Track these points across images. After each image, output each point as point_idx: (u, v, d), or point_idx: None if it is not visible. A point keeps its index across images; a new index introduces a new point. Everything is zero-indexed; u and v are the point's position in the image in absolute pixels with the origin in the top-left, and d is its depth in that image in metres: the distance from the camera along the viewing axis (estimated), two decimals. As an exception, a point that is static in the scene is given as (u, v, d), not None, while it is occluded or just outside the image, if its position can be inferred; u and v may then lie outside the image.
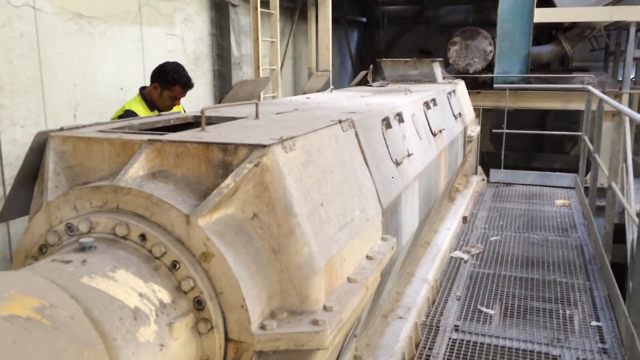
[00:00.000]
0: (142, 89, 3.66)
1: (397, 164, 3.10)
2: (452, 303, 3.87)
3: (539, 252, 5.00)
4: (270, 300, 1.77)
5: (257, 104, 2.51)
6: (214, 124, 2.47)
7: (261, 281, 1.75)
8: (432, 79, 6.70)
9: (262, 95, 6.36)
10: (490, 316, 3.67)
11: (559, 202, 6.74)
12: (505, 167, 8.63)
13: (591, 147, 6.26)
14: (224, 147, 1.80)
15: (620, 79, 9.26)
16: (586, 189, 7.38)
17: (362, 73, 6.03)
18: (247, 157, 1.78)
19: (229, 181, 1.72)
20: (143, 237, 1.66)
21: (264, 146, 1.77)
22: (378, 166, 2.78)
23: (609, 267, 4.09)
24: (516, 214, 6.41)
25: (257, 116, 2.53)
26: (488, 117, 9.49)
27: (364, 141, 2.68)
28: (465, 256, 4.81)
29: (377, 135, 2.94)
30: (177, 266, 1.64)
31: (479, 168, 8.17)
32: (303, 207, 1.84)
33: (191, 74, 5.31)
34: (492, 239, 5.36)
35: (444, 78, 7.31)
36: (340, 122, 2.45)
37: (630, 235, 7.17)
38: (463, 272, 4.49)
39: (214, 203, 1.69)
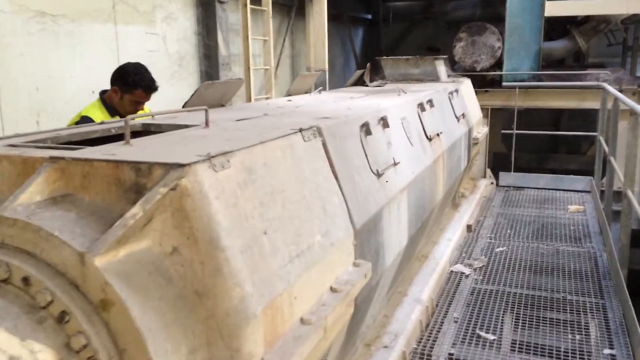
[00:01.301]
0: (103, 92, 3.37)
1: (379, 175, 2.77)
2: (449, 326, 3.53)
3: (549, 265, 4.63)
4: (193, 355, 1.45)
5: (206, 110, 2.20)
6: (155, 134, 2.17)
7: (181, 332, 1.43)
8: (435, 78, 6.35)
9: (255, 97, 6.07)
10: (490, 342, 3.32)
11: (572, 207, 6.34)
12: (518, 169, 8.24)
13: (607, 148, 5.87)
14: (136, 166, 1.49)
15: (639, 75, 8.81)
16: (602, 192, 6.97)
17: (358, 72, 5.70)
18: (162, 178, 1.47)
19: (135, 210, 1.41)
20: (27, 280, 1.35)
21: (182, 165, 1.46)
22: (352, 179, 2.45)
23: (625, 285, 3.72)
24: (526, 221, 6.03)
25: (206, 124, 2.22)
26: (498, 116, 9.08)
27: (334, 151, 2.36)
28: (467, 270, 4.45)
29: (354, 143, 2.62)
30: (67, 318, 1.33)
31: (488, 171, 7.79)
32: (236, 238, 1.52)
33: (174, 75, 5.03)
34: (497, 250, 5.00)
35: (448, 76, 6.96)
36: (301, 130, 2.13)
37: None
38: (463, 288, 4.14)
39: (116, 237, 1.38)
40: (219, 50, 5.67)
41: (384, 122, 3.09)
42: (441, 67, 6.52)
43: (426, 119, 4.11)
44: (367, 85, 5.66)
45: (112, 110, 3.28)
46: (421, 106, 4.06)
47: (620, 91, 7.08)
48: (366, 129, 2.78)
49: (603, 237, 5.25)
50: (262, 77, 6.66)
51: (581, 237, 5.35)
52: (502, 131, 7.90)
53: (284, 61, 7.81)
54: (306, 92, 4.68)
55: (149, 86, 3.25)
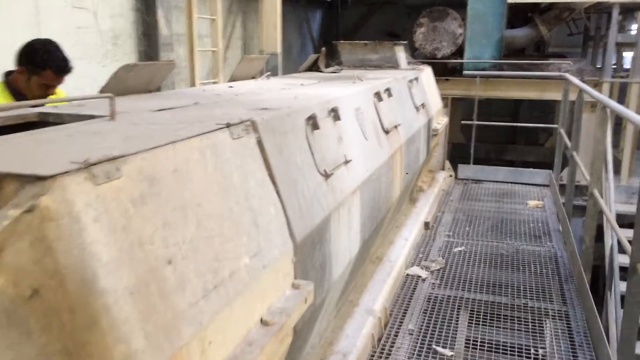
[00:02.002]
0: (8, 73, 2.89)
1: (327, 175, 2.43)
2: (403, 340, 3.24)
3: (509, 267, 4.41)
4: None
5: (111, 98, 1.80)
6: (52, 126, 1.76)
7: (40, 406, 1.05)
8: (395, 65, 6.04)
9: (200, 82, 5.62)
10: (447, 358, 3.05)
11: (531, 203, 6.18)
12: (477, 160, 8.06)
13: (568, 142, 5.70)
14: (-21, 178, 1.09)
15: (600, 66, 8.75)
16: (562, 186, 6.85)
17: (312, 57, 5.32)
18: (15, 195, 1.07)
19: (-28, 242, 1.01)
20: None
21: (42, 178, 1.07)
22: (294, 183, 2.10)
23: (589, 291, 3.51)
24: (485, 216, 5.83)
25: (112, 116, 1.81)
26: (458, 106, 8.89)
27: (273, 150, 2.00)
28: (424, 273, 4.18)
29: (297, 139, 2.26)
30: None
31: (447, 163, 7.57)
32: (123, 275, 1.15)
33: (107, 55, 4.53)
34: (456, 249, 4.76)
35: (409, 63, 6.66)
36: (228, 126, 1.75)
37: (609, 240, 6.68)
38: (419, 294, 3.86)
39: (-61, 282, 0.98)
40: (160, 29, 5.19)
41: (335, 114, 2.74)
42: (401, 54, 6.21)
43: (383, 109, 3.79)
44: (321, 71, 5.30)
45: (18, 95, 2.81)
46: (378, 95, 3.73)
47: (582, 82, 6.95)
48: (313, 122, 2.42)
49: (563, 234, 5.08)
50: (210, 60, 6.21)
51: (541, 235, 5.17)
52: (462, 121, 7.69)
53: (234, 43, 7.35)
54: (253, 77, 4.28)
55: (60, 67, 2.79)
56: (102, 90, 2.55)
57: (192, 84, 5.54)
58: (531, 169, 7.20)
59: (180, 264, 1.32)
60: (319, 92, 3.12)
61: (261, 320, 1.65)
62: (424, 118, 5.30)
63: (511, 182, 7.15)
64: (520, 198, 6.64)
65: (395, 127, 4.02)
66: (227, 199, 1.61)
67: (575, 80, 5.75)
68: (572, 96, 6.48)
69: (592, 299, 3.45)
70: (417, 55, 7.93)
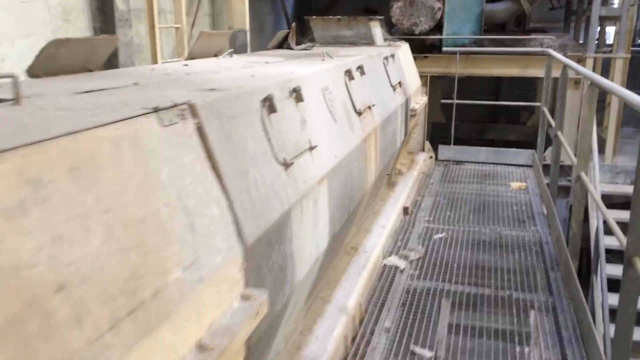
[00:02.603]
0: None
1: (287, 164, 2.15)
2: (379, 338, 3.00)
3: (491, 255, 4.20)
4: None
5: (15, 79, 1.49)
6: None
7: None
8: (370, 41, 5.74)
9: (162, 61, 5.26)
10: (426, 359, 2.82)
11: (514, 184, 5.98)
12: (457, 140, 7.84)
13: (552, 121, 5.48)
14: None
15: (582, 42, 8.54)
16: (545, 166, 6.66)
17: (281, 33, 5.00)
18: None
19: None
20: None
21: None
22: (246, 176, 1.82)
23: (577, 282, 3.30)
24: (466, 199, 5.61)
25: (17, 100, 1.51)
26: (438, 84, 8.64)
27: (218, 138, 1.71)
28: (402, 264, 3.95)
29: (251, 124, 1.97)
30: None
31: (427, 144, 7.33)
32: (-16, 313, 0.86)
33: (57, 33, 4.17)
34: (436, 236, 4.53)
35: (385, 40, 6.37)
36: (156, 111, 1.46)
37: (595, 222, 6.53)
38: (397, 287, 3.63)
39: None
40: (116, 4, 4.81)
41: (297, 95, 2.45)
42: (376, 30, 5.91)
43: (355, 89, 3.50)
44: (291, 49, 4.98)
45: None
46: (349, 74, 3.44)
47: (565, 57, 6.73)
48: (270, 104, 2.13)
49: (548, 218, 4.88)
50: (174, 38, 5.84)
51: (525, 219, 4.97)
52: (442, 100, 7.44)
53: (202, 20, 6.97)
54: (215, 56, 3.95)
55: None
56: (29, 70, 2.23)
57: (154, 63, 5.19)
58: (514, 149, 7.00)
59: (76, 289, 1.04)
60: (281, 70, 2.82)
61: (198, 345, 1.38)
62: (401, 97, 5.04)
63: (493, 163, 6.95)
64: (502, 179, 6.43)
65: (369, 107, 3.75)
66: (151, 201, 1.32)
67: (558, 55, 5.50)
68: (555, 73, 6.26)
69: (580, 290, 3.25)
70: (394, 32, 7.62)
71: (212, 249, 1.50)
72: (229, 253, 1.59)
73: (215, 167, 1.65)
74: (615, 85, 3.07)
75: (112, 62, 4.95)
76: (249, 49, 5.95)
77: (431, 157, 7.16)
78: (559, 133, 4.76)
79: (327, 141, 2.73)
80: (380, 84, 4.36)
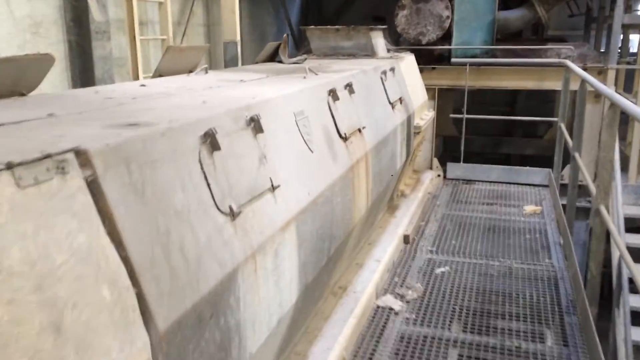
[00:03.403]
0: None
1: (234, 214, 1.77)
2: (362, 405, 2.60)
3: (499, 295, 3.77)
4: None
5: None
6: None
7: None
8: (370, 53, 5.37)
9: (144, 76, 4.94)
10: None
11: (528, 208, 5.53)
12: (469, 155, 7.40)
13: (569, 139, 5.04)
14: None
15: (603, 50, 8.07)
16: (563, 186, 6.21)
17: (271, 45, 4.64)
18: None
19: None
20: None
21: None
22: (164, 238, 1.44)
23: (595, 334, 2.87)
24: (475, 224, 5.19)
25: None
26: (449, 96, 8.20)
27: (123, 193, 1.34)
28: (398, 305, 3.54)
29: (181, 169, 1.60)
30: None
31: (435, 161, 6.91)
32: None
33: (25, 47, 3.87)
34: (438, 271, 4.11)
35: (388, 51, 5.99)
36: (9, 167, 1.09)
37: (617, 251, 6.05)
38: (390, 334, 3.22)
39: None
40: (92, 14, 4.50)
41: (256, 125, 2.07)
42: (378, 40, 5.53)
43: (341, 110, 3.12)
44: (280, 62, 4.62)
45: None
46: (333, 94, 3.06)
47: (585, 69, 6.28)
48: (211, 140, 1.75)
49: (564, 249, 4.44)
50: (161, 50, 5.52)
51: (539, 250, 4.53)
52: (451, 115, 7.02)
53: (195, 30, 6.64)
54: (191, 71, 3.61)
55: None
56: None
57: (136, 79, 4.87)
58: (528, 168, 6.54)
59: None
60: (246, 92, 2.45)
61: None
62: (401, 115, 4.65)
63: (506, 183, 6.50)
64: (516, 201, 5.99)
65: (359, 130, 3.37)
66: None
67: (576, 68, 5.08)
68: (574, 85, 5.83)
69: (598, 343, 2.82)
70: (402, 42, 7.23)
71: (91, 352, 1.13)
72: (126, 350, 1.21)
73: (113, 234, 1.28)
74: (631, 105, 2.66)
75: (88, 78, 4.63)
76: (239, 61, 5.61)
77: (439, 176, 6.74)
78: (576, 155, 4.33)
79: (297, 177, 2.34)
80: (376, 101, 3.97)
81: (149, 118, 1.71)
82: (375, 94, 4.03)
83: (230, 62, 5.58)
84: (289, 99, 2.51)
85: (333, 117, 2.99)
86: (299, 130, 2.50)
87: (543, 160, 9.76)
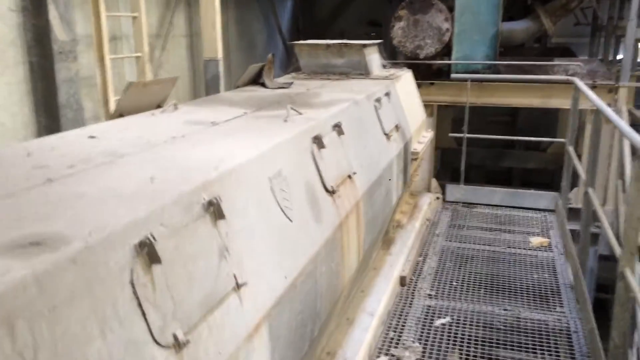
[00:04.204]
0: None
1: (179, 344, 1.37)
2: None
3: (507, 351, 3.39)
4: None
5: None
6: None
7: None
8: (364, 71, 4.97)
9: (116, 99, 4.52)
10: None
11: (535, 241, 5.15)
12: (470, 167, 7.03)
13: (578, 164, 4.66)
14: None
15: (612, 59, 7.68)
16: (570, 211, 5.83)
17: (253, 67, 4.23)
18: None
19: None
20: None
21: None
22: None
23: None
24: (477, 258, 4.81)
25: None
26: (448, 109, 7.81)
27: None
28: (392, 371, 3.16)
29: (99, 304, 1.20)
30: None
31: (434, 182, 6.52)
32: None
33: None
34: (438, 322, 3.73)
35: (384, 67, 5.59)
36: None
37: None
38: (384, 413, 2.84)
39: None
40: (54, 33, 4.08)
41: (216, 210, 1.67)
42: (372, 57, 5.14)
43: (327, 159, 2.72)
44: (264, 85, 4.21)
45: None
46: (319, 141, 2.66)
47: (594, 87, 5.91)
48: (149, 250, 1.35)
49: (577, 293, 4.06)
50: (137, 68, 5.10)
51: (548, 294, 4.15)
52: (450, 134, 6.62)
53: (177, 42, 6.23)
54: (159, 105, 3.20)
55: None
56: None
57: (105, 102, 4.45)
58: (533, 191, 6.16)
59: None
60: (209, 153, 2.05)
61: None
62: (398, 144, 4.25)
63: (510, 207, 6.12)
64: (520, 228, 5.62)
65: (349, 177, 2.97)
66: None
67: (584, 87, 4.70)
68: (583, 104, 5.46)
69: None
70: (399, 55, 6.83)
71: None
72: None
73: None
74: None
75: (51, 104, 4.22)
76: (221, 80, 5.20)
77: (438, 198, 6.36)
78: (590, 192, 3.94)
79: (271, 261, 1.95)
80: (369, 136, 3.58)
81: (63, 224, 1.31)
82: (369, 127, 3.64)
83: (211, 82, 5.17)
84: (263, 161, 2.11)
85: (318, 169, 2.59)
86: (275, 198, 2.11)
87: (546, 173, 9.42)
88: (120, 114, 2.92)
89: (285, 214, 2.15)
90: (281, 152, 2.31)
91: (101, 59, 4.37)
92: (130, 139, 2.32)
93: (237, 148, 2.17)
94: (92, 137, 2.37)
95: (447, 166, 9.25)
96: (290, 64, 5.10)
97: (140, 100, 2.99)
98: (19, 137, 4.22)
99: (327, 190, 2.62)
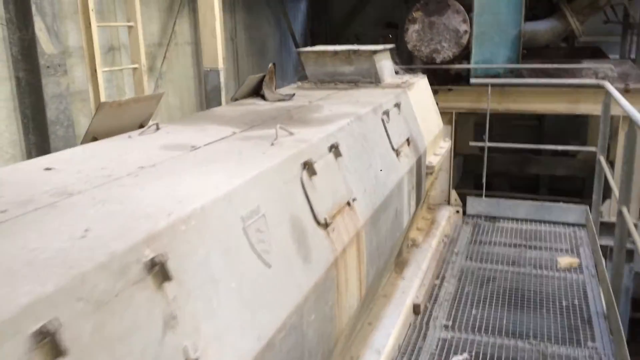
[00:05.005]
0: None
1: None
2: None
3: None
4: None
5: None
6: None
7: None
8: (375, 79, 4.66)
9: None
10: None
11: (563, 261, 4.75)
12: (493, 174, 6.64)
13: (609, 175, 4.27)
14: None
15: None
16: (602, 225, 5.42)
17: (252, 78, 3.95)
18: None
19: None
20: None
21: None
22: None
23: None
24: (499, 283, 4.44)
25: None
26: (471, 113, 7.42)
27: None
28: (400, 421, 2.83)
29: None
30: None
31: (453, 194, 6.16)
32: None
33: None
34: (454, 359, 3.38)
35: (396, 73, 5.26)
36: None
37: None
38: None
39: None
40: (41, 46, 3.85)
41: (161, 271, 1.38)
42: (383, 64, 4.82)
43: (321, 186, 2.41)
44: (264, 98, 3.93)
45: None
46: (309, 167, 2.35)
47: (627, 91, 5.49)
48: (51, 339, 1.06)
49: (610, 324, 3.67)
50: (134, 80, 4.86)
51: (578, 326, 3.77)
52: (471, 143, 6.25)
53: (181, 50, 5.98)
54: (142, 125, 2.93)
55: None
56: None
57: (98, 118, 4.20)
58: (561, 204, 5.75)
59: None
60: (175, 189, 1.76)
61: None
62: (409, 160, 3.92)
63: (536, 221, 5.72)
64: (547, 244, 5.24)
65: (348, 204, 2.65)
66: None
67: (615, 92, 4.32)
68: (615, 110, 5.04)
69: None
70: (415, 59, 6.47)
71: None
72: None
73: None
74: None
75: (40, 122, 3.99)
76: (223, 92, 4.93)
77: (458, 212, 5.99)
78: (624, 211, 3.56)
79: (239, 320, 1.65)
80: (375, 154, 3.25)
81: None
82: (374, 144, 3.31)
83: (211, 93, 4.91)
84: (235, 198, 1.81)
85: (308, 200, 2.29)
86: (249, 241, 1.81)
87: (576, 181, 8.94)
88: (94, 137, 2.66)
89: (261, 259, 1.84)
90: (261, 184, 2.01)
91: (93, 72, 4.14)
92: (91, 170, 2.05)
93: (208, 182, 1.88)
94: (48, 169, 2.10)
95: (469, 174, 8.84)
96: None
97: (117, 121, 2.72)
98: (6, 157, 4.01)
99: (318, 223, 2.31)
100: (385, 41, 6.49)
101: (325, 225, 2.36)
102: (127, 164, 2.14)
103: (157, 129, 2.83)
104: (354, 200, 2.70)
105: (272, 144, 2.43)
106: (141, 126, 2.94)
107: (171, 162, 2.16)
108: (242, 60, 7.44)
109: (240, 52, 7.38)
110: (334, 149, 2.67)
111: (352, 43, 5.06)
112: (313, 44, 9.01)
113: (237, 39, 7.24)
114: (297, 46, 8.90)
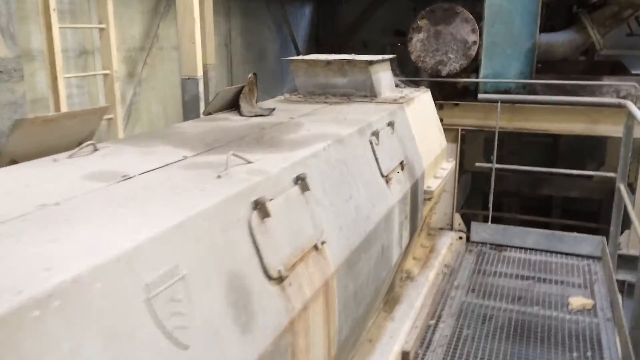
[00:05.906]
0: None
1: None
2: None
3: None
4: None
5: None
6: None
7: None
8: (370, 93, 4.21)
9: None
10: None
11: (575, 302, 4.26)
12: (503, 193, 6.14)
13: (633, 214, 3.79)
14: None
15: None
16: (619, 258, 4.92)
17: (228, 90, 3.51)
18: None
19: None
20: None
21: None
22: None
23: None
24: (503, 325, 3.96)
25: None
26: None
27: None
28: None
29: None
30: None
31: (457, 218, 5.68)
32: None
33: None
34: None
35: (397, 86, 4.80)
36: None
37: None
38: None
39: None
40: (-7, 50, 3.46)
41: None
42: (381, 75, 4.37)
43: (276, 231, 1.96)
44: (240, 113, 3.49)
45: None
46: (262, 206, 1.90)
47: (651, 112, 4.97)
48: None
49: (629, 384, 3.18)
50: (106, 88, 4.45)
51: (592, 384, 3.28)
52: (477, 164, 5.76)
53: (165, 55, 5.57)
54: (80, 143, 2.50)
55: None
56: None
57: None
58: (575, 234, 5.25)
59: None
60: (47, 253, 1.32)
61: None
62: (402, 187, 3.46)
63: (546, 251, 5.23)
64: (558, 277, 4.76)
65: (315, 247, 2.20)
66: None
67: (638, 112, 3.84)
68: (638, 131, 4.57)
69: None
70: (421, 71, 6.01)
71: None
72: None
73: None
74: None
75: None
76: (201, 102, 4.50)
77: (461, 238, 5.51)
78: (649, 256, 3.07)
79: None
80: (357, 183, 2.80)
81: None
82: (358, 170, 2.86)
83: (189, 103, 4.48)
84: (135, 260, 1.36)
85: (257, 249, 1.84)
86: (154, 317, 1.36)
87: (592, 203, 8.41)
88: (12, 159, 2.23)
89: (172, 339, 1.39)
90: (185, 235, 1.56)
91: (54, 78, 3.73)
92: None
93: (107, 234, 1.44)
94: None
95: (477, 191, 8.36)
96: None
97: (45, 140, 2.29)
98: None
99: (270, 278, 1.86)
100: (392, 50, 6.05)
101: (280, 280, 1.91)
102: (26, 200, 1.71)
103: (95, 149, 2.40)
104: (322, 243, 2.24)
105: (219, 176, 1.99)
106: (80, 143, 2.51)
107: (83, 199, 1.73)
108: (238, 67, 7.03)
109: (235, 59, 6.96)
110: (301, 182, 2.21)
111: (359, 51, 4.61)
112: (318, 51, 8.59)
113: (231, 45, 6.82)
114: (298, 53, 8.48)
